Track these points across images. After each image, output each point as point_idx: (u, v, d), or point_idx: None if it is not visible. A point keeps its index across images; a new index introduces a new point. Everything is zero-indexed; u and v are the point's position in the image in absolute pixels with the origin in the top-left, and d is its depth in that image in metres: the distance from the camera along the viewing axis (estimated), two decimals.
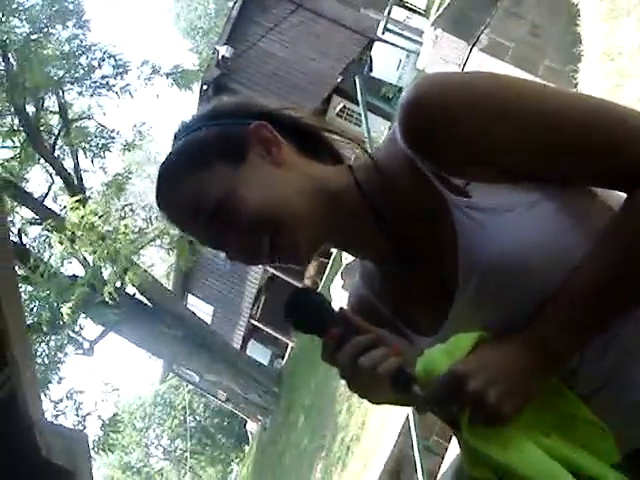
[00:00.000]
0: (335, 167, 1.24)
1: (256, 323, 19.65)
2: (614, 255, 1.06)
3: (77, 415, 14.23)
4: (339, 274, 7.73)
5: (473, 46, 5.87)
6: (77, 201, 12.93)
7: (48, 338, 14.14)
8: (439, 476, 5.13)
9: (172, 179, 1.22)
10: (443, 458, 5.42)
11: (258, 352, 19.74)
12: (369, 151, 1.23)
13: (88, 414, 14.12)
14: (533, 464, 1.05)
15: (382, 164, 1.19)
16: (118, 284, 13.60)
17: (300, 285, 17.64)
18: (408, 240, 1.18)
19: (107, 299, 12.71)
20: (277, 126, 1.21)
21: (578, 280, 1.07)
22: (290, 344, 19.37)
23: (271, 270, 18.33)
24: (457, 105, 1.07)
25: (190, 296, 20.06)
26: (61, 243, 12.87)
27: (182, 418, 28.81)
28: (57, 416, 13.67)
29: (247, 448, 24.02)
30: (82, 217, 12.60)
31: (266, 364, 19.16)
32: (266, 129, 1.19)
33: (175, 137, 1.27)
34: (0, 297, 1.97)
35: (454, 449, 4.99)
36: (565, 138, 1.07)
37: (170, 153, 1.26)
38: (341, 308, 1.17)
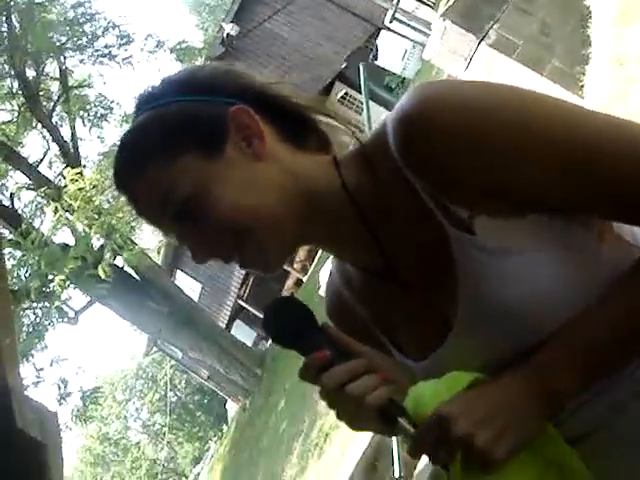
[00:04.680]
0: (320, 158, 1.09)
1: (243, 304, 19.63)
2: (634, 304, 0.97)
3: (59, 387, 14.20)
4: (326, 265, 7.70)
5: (481, 41, 5.82)
6: (78, 173, 12.84)
7: (35, 305, 14.10)
8: (416, 472, 5.12)
9: (134, 162, 1.06)
10: None
11: (243, 333, 19.72)
12: (362, 142, 1.08)
13: (66, 387, 14.09)
14: None
15: (371, 160, 1.05)
16: (111, 260, 13.55)
17: (290, 279, 17.64)
18: (397, 254, 1.07)
19: (101, 275, 12.64)
20: (260, 105, 1.06)
21: (589, 321, 0.98)
22: None
23: None
24: (469, 123, 0.93)
25: (179, 272, 20.01)
26: (56, 212, 12.77)
27: (163, 393, 28.85)
28: (38, 383, 13.64)
29: (225, 427, 24.08)
30: (80, 189, 12.50)
31: (250, 345, 19.17)
32: (248, 115, 1.04)
33: (140, 106, 1.09)
34: None
35: None
36: (599, 166, 0.95)
37: (134, 128, 1.08)
38: (325, 324, 1.07)
